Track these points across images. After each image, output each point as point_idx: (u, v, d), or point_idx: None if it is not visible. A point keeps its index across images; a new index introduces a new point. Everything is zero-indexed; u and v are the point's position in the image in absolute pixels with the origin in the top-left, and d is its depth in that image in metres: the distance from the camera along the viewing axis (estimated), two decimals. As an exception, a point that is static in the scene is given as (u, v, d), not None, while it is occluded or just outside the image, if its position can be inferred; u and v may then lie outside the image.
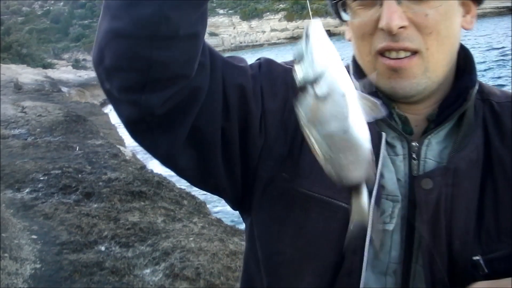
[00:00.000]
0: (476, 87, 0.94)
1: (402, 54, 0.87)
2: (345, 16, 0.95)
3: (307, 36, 0.69)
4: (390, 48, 0.87)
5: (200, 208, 5.46)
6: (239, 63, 0.94)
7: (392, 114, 0.94)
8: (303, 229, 0.91)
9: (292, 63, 0.74)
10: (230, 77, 0.89)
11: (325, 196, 0.89)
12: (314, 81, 0.67)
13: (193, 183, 0.97)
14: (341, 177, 0.71)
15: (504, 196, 0.90)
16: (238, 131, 0.90)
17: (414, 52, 0.87)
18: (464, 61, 0.96)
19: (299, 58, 0.69)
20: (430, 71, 0.89)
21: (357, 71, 0.96)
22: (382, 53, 0.89)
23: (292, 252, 0.92)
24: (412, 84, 0.89)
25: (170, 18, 0.74)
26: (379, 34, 0.88)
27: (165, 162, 0.91)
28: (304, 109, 0.68)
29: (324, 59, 0.68)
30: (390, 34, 0.86)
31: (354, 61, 0.98)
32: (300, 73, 0.69)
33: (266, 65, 0.97)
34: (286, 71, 0.94)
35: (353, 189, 0.73)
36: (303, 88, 0.68)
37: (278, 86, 0.94)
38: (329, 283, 0.90)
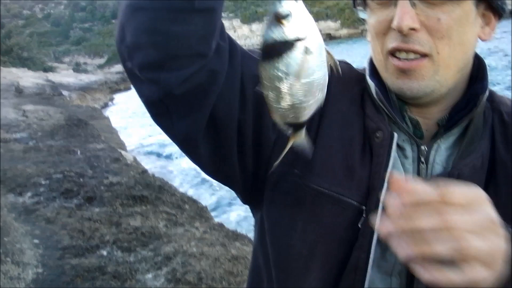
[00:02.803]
0: (487, 93, 0.94)
1: (412, 55, 0.88)
2: (362, 14, 0.96)
3: None
4: (400, 48, 0.88)
5: (201, 212, 5.46)
6: (258, 56, 0.95)
7: (404, 117, 0.95)
8: (313, 224, 0.92)
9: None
10: (248, 67, 0.90)
11: (335, 193, 0.90)
12: (304, 37, 0.71)
13: (206, 171, 0.98)
14: (299, 117, 0.76)
15: (506, 201, 0.90)
16: (252, 122, 0.91)
17: (424, 55, 0.88)
18: (477, 69, 0.97)
19: (285, 16, 0.70)
20: (439, 74, 0.89)
21: (373, 72, 0.97)
22: (392, 53, 0.90)
23: (301, 247, 0.93)
24: (420, 85, 0.89)
25: None
26: (391, 34, 0.89)
27: (183, 147, 0.92)
28: (290, 64, 0.71)
29: (309, 16, 0.73)
30: (401, 34, 0.86)
31: (371, 62, 0.99)
32: (289, 29, 0.70)
33: None
34: None
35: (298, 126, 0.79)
36: (289, 45, 0.70)
37: None
38: (335, 279, 0.92)
